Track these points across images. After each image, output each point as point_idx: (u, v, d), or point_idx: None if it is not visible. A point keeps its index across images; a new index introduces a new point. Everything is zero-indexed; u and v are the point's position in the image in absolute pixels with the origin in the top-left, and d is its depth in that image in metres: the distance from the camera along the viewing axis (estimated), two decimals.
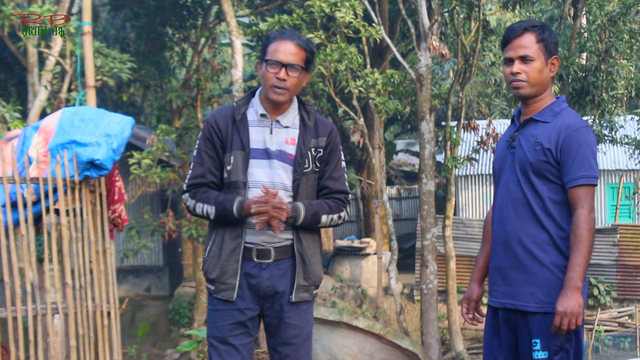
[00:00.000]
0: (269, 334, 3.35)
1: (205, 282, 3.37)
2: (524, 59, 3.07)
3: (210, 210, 3.20)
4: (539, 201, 3.04)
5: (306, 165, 3.24)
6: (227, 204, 3.17)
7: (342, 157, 3.39)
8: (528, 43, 3.07)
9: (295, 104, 3.32)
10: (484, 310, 3.32)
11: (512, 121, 3.26)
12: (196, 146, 3.31)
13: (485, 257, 3.30)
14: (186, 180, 3.31)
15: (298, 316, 3.29)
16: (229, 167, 3.21)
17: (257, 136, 3.23)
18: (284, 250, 3.24)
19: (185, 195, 3.29)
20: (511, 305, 3.08)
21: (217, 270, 3.22)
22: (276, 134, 3.24)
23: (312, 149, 3.26)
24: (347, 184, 3.38)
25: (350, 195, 3.37)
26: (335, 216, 3.29)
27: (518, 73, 3.08)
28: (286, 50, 3.19)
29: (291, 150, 3.24)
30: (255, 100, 3.29)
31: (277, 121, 3.26)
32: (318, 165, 3.28)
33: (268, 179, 3.21)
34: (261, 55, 3.26)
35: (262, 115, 3.25)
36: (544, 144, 3.03)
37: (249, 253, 3.22)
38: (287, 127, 3.27)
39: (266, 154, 3.22)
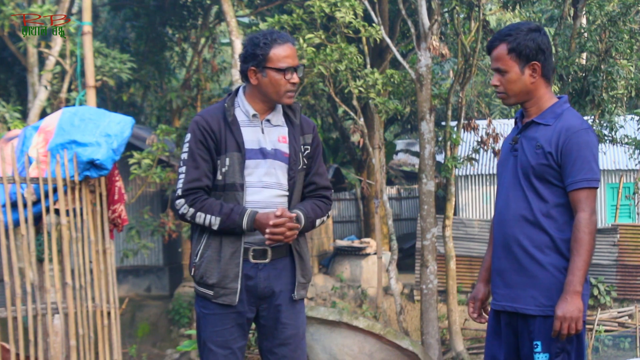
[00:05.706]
0: (263, 336, 3.29)
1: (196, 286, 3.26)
2: (499, 71, 3.09)
3: (215, 221, 3.11)
4: (541, 204, 3.02)
5: (299, 163, 3.24)
6: (235, 217, 3.09)
7: None
8: (500, 55, 3.07)
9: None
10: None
11: (515, 122, 3.24)
12: (186, 149, 3.17)
13: (492, 257, 3.30)
14: (180, 185, 3.17)
15: (294, 316, 3.27)
16: (224, 169, 3.15)
17: (251, 136, 3.19)
18: (280, 249, 3.22)
19: (181, 202, 3.16)
20: (512, 308, 3.08)
21: (216, 274, 3.15)
22: (268, 133, 3.22)
23: (302, 146, 3.27)
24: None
25: (332, 192, 3.41)
26: (325, 217, 3.35)
27: (497, 85, 3.11)
28: (293, 54, 3.18)
29: (285, 148, 3.23)
30: (242, 101, 3.24)
31: (268, 120, 3.24)
32: (306, 162, 3.29)
33: (264, 179, 3.19)
34: (260, 61, 3.15)
35: (253, 115, 3.22)
36: (545, 148, 3.01)
37: (245, 254, 3.18)
38: (277, 125, 3.25)
39: (262, 154, 3.19)
